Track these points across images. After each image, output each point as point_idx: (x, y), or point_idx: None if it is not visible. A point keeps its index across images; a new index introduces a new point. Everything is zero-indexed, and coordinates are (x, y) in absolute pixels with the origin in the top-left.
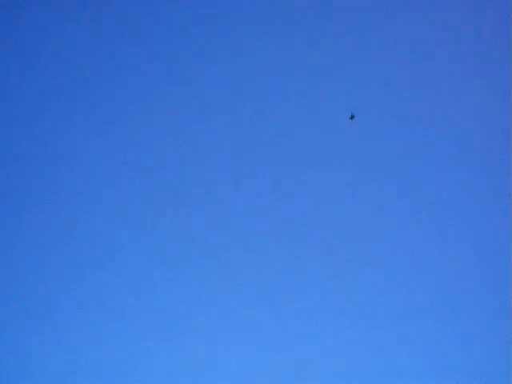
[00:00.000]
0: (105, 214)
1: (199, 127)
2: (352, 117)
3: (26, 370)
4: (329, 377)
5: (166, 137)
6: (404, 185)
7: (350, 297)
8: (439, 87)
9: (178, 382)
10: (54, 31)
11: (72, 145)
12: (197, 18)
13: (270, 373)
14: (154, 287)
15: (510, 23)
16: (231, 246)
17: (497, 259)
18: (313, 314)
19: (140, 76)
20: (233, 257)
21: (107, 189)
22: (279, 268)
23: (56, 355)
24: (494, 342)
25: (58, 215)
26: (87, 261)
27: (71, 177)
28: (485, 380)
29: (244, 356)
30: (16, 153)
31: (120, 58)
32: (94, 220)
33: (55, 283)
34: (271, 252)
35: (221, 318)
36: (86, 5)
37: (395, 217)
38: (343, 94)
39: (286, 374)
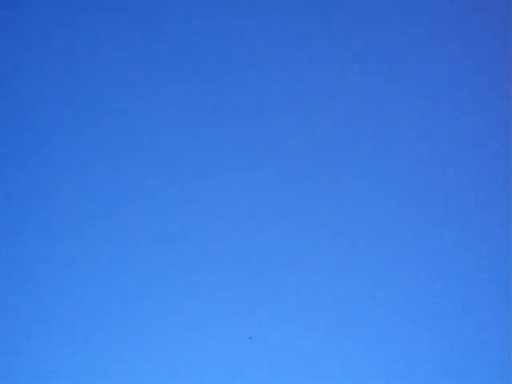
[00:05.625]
0: (104, 215)
1: (201, 128)
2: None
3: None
4: (328, 377)
5: (165, 137)
6: (404, 186)
7: (350, 297)
8: (439, 87)
9: (178, 381)
10: (55, 30)
11: (71, 144)
12: (197, 18)
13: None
14: (155, 287)
15: (509, 23)
16: (229, 244)
17: (497, 259)
18: (312, 315)
19: (141, 76)
20: (230, 256)
21: (105, 190)
22: (279, 268)
23: (55, 355)
24: (495, 342)
25: (56, 215)
26: (86, 261)
27: (70, 176)
28: (485, 380)
29: (242, 356)
30: (16, 152)
31: (120, 57)
32: (93, 221)
33: (54, 283)
34: (271, 251)
35: (220, 319)
36: (85, 5)
37: (395, 216)
38: (343, 95)
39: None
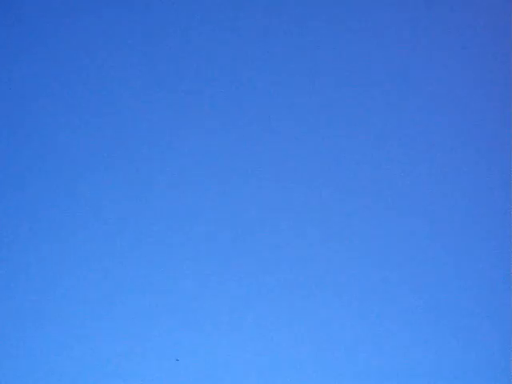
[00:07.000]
0: (103, 214)
1: (202, 128)
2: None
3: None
4: (328, 377)
5: (165, 137)
6: (403, 187)
7: (349, 296)
8: (439, 88)
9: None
10: (53, 30)
11: (69, 143)
12: (198, 18)
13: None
14: (154, 286)
15: (510, 23)
16: (228, 242)
17: (498, 259)
18: (313, 315)
19: (140, 76)
20: (230, 254)
21: (105, 189)
22: (281, 267)
23: (52, 354)
24: (495, 343)
25: (55, 214)
26: (85, 261)
27: (68, 176)
28: (485, 380)
29: (243, 355)
30: (14, 151)
31: (120, 58)
32: (92, 221)
33: (52, 282)
34: (272, 250)
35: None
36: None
37: (395, 217)
38: (343, 97)
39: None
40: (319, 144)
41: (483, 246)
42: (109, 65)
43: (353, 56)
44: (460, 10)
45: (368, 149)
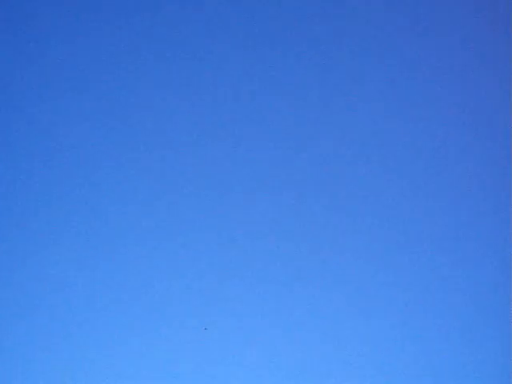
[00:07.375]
0: (102, 214)
1: (203, 128)
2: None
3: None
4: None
5: (165, 137)
6: (404, 187)
7: (351, 296)
8: (439, 88)
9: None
10: (54, 29)
11: (70, 142)
12: (199, 18)
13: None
14: (153, 286)
15: (509, 23)
16: (228, 241)
17: (498, 260)
18: (314, 316)
19: (141, 76)
20: (231, 253)
21: (104, 189)
22: (280, 267)
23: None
24: (495, 343)
25: (54, 215)
26: (84, 260)
27: (68, 175)
28: (485, 380)
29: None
30: (14, 150)
31: (121, 56)
32: (91, 220)
33: (50, 282)
34: (273, 251)
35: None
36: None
37: (395, 218)
38: (342, 94)
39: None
40: (318, 147)
41: (483, 246)
42: (108, 67)
43: (352, 57)
44: (460, 10)
45: (368, 150)
